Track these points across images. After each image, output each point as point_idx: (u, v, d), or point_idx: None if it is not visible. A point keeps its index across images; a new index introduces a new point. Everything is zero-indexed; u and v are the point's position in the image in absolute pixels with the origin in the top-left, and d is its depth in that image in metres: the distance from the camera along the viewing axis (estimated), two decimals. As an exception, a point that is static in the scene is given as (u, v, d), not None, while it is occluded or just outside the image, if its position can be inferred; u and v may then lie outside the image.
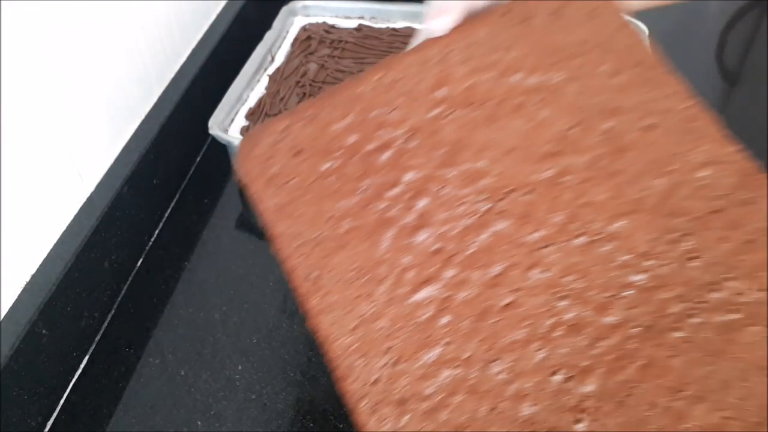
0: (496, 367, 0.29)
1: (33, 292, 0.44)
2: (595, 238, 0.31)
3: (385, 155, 0.33)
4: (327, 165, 0.33)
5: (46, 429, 0.44)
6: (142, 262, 0.55)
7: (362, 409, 0.28)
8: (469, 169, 0.32)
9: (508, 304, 0.30)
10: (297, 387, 0.46)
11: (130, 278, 0.53)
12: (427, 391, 0.28)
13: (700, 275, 0.30)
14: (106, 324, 0.49)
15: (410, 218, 0.32)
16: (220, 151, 0.60)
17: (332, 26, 0.67)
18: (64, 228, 0.48)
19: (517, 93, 0.33)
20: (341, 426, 0.44)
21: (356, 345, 0.29)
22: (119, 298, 0.52)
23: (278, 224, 0.32)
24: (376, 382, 0.29)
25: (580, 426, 0.28)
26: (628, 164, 0.32)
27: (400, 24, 0.67)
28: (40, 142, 0.44)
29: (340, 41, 0.65)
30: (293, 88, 0.68)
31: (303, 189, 0.32)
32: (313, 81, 0.68)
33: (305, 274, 0.31)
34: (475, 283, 0.30)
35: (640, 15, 0.80)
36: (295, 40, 0.68)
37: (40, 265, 0.45)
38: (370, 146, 0.33)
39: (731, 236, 0.30)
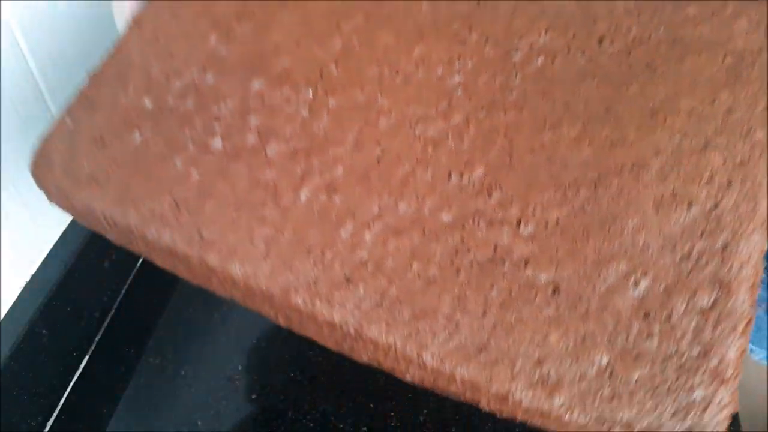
0: (402, 206, 0.29)
1: (33, 292, 0.44)
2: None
3: (190, 99, 0.32)
4: (137, 136, 0.31)
5: (46, 429, 0.44)
6: (142, 261, 0.55)
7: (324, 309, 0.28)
8: (276, 69, 0.32)
9: (380, 157, 0.30)
10: (297, 387, 0.46)
11: (130, 278, 0.53)
12: (362, 257, 0.28)
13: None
14: (106, 324, 0.49)
15: (251, 138, 0.31)
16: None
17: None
18: (64, 228, 0.48)
19: None
20: (341, 426, 0.44)
21: (273, 265, 0.28)
22: (119, 298, 0.51)
23: (128, 216, 0.30)
24: (316, 281, 0.28)
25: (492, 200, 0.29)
26: None
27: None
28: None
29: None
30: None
31: (129, 171, 0.30)
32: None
33: (187, 240, 0.29)
34: (341, 156, 0.30)
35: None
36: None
37: (40, 265, 0.45)
38: (170, 100, 0.32)
39: None
